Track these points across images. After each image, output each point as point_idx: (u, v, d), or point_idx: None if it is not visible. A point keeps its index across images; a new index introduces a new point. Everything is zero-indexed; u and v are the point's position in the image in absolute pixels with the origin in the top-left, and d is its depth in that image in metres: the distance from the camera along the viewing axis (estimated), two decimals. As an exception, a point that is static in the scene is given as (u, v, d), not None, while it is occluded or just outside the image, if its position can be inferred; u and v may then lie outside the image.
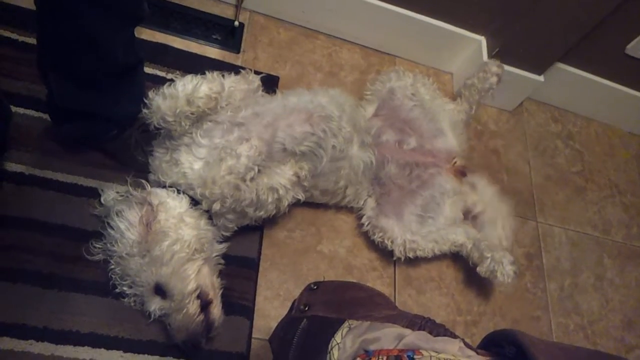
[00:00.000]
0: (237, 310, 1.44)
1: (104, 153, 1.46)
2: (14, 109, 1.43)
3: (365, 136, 1.57)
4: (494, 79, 1.81)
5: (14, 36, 1.55)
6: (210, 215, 1.34)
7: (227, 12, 1.90)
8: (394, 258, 1.61)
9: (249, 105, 1.40)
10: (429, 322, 0.80)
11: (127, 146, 1.43)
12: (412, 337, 0.73)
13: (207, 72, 1.35)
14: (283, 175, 1.38)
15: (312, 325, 0.84)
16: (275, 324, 0.98)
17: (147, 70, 1.60)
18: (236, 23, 1.85)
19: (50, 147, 1.45)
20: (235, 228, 1.44)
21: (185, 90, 1.26)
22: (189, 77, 1.30)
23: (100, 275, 1.31)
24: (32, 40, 1.51)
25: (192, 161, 1.32)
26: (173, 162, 1.33)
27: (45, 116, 1.46)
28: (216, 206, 1.30)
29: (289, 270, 1.56)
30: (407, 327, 0.78)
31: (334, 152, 1.45)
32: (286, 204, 1.42)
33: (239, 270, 1.49)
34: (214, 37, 1.83)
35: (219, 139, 1.33)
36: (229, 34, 1.85)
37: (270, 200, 1.35)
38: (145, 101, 1.29)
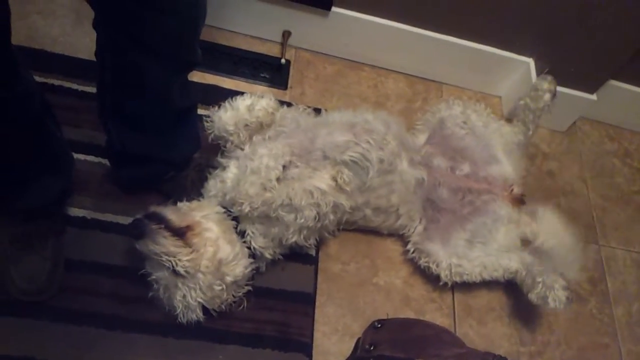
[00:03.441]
0: (295, 346, 1.43)
1: (162, 194, 1.49)
2: (75, 155, 1.48)
3: (414, 154, 1.55)
4: (547, 96, 1.74)
5: (74, 86, 1.62)
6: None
7: (273, 51, 1.94)
8: (440, 283, 1.56)
9: (293, 120, 1.50)
10: (501, 360, 0.77)
11: (184, 187, 1.47)
12: (486, 377, 0.71)
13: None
14: (318, 179, 1.35)
15: (380, 365, 0.83)
16: (336, 361, 0.97)
17: (200, 111, 1.63)
18: (283, 60, 1.88)
19: (110, 191, 1.50)
20: (279, 255, 1.43)
21: (245, 102, 1.44)
22: (247, 94, 1.46)
23: (161, 314, 1.33)
24: (90, 89, 1.57)
25: (235, 173, 1.38)
26: (219, 179, 1.40)
27: (105, 161, 1.51)
28: (245, 208, 1.29)
29: (345, 304, 1.55)
30: (479, 366, 0.75)
31: (381, 165, 1.43)
32: (326, 209, 1.34)
33: (295, 305, 1.49)
34: (261, 75, 1.87)
35: (263, 149, 1.36)
36: (276, 71, 1.89)
37: (304, 203, 1.30)
38: (208, 114, 1.46)
